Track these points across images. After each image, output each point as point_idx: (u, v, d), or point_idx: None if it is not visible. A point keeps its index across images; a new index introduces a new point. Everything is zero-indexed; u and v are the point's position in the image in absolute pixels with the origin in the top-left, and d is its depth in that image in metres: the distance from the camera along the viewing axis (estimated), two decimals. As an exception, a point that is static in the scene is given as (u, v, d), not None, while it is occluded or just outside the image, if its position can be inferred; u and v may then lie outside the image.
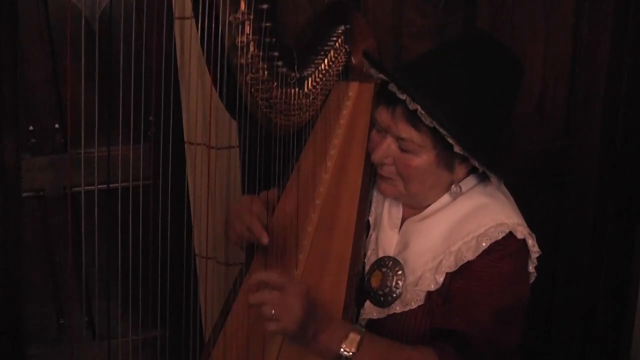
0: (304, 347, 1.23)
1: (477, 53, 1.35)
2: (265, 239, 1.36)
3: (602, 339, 2.56)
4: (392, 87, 1.29)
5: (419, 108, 1.26)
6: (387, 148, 1.37)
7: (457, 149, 1.29)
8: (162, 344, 1.65)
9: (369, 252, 1.48)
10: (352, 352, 1.21)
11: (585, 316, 2.55)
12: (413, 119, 1.29)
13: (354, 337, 1.22)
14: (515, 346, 1.36)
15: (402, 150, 1.35)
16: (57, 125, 1.90)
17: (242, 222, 1.40)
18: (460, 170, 1.38)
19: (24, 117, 1.86)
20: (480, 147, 1.31)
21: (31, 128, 1.88)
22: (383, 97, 1.36)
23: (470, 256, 1.32)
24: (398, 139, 1.34)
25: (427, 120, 1.26)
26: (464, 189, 1.40)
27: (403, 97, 1.27)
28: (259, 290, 1.20)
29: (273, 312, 1.16)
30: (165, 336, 1.73)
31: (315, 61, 1.57)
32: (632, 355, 2.46)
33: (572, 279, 2.48)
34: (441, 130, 1.27)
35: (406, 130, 1.31)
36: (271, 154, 1.44)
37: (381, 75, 1.35)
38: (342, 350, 1.21)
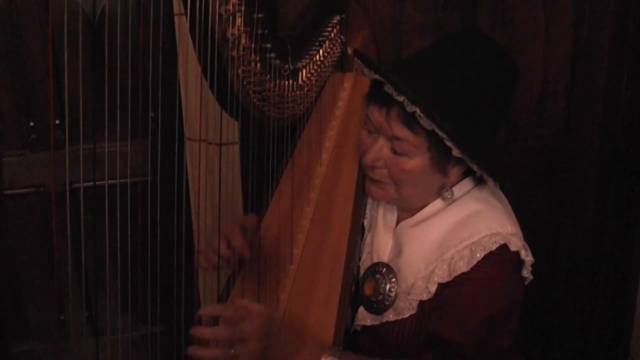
0: None
1: (474, 54, 1.31)
2: (247, 253, 1.37)
3: (601, 338, 2.55)
4: (388, 88, 1.24)
5: (418, 110, 1.21)
6: (379, 150, 1.33)
7: (455, 152, 1.25)
8: (160, 340, 1.66)
9: (363, 256, 1.47)
10: None
11: (585, 314, 2.53)
12: (409, 121, 1.25)
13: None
14: (508, 347, 1.34)
15: (395, 152, 1.30)
16: (58, 121, 1.91)
17: (225, 244, 1.38)
18: (453, 173, 1.35)
19: (25, 113, 1.87)
20: (477, 150, 1.27)
21: (32, 124, 1.89)
22: (375, 96, 1.31)
23: (463, 267, 1.29)
24: (392, 138, 1.29)
25: (426, 123, 1.22)
26: (458, 194, 1.37)
27: (400, 99, 1.22)
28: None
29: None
30: (165, 332, 1.74)
31: (310, 52, 1.54)
32: (631, 355, 2.44)
33: (571, 277, 2.46)
34: (440, 133, 1.22)
35: (402, 131, 1.27)
36: (265, 148, 1.42)
37: (376, 76, 1.29)
38: None
